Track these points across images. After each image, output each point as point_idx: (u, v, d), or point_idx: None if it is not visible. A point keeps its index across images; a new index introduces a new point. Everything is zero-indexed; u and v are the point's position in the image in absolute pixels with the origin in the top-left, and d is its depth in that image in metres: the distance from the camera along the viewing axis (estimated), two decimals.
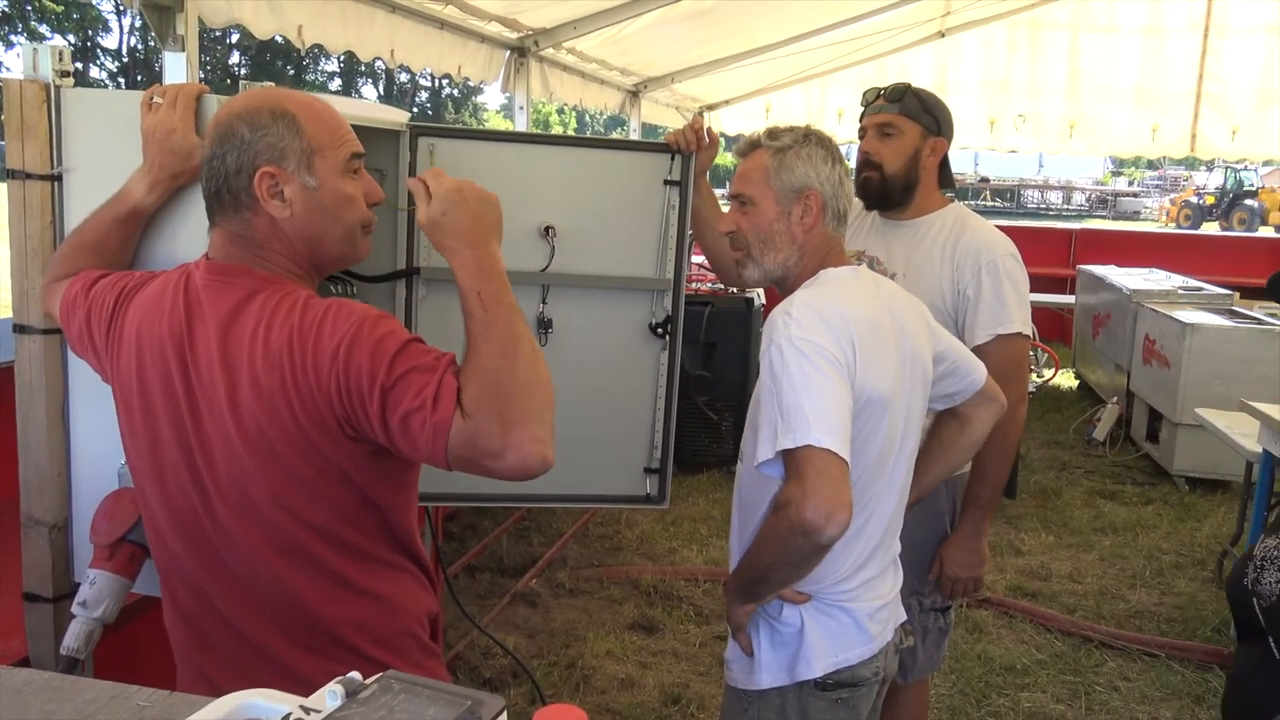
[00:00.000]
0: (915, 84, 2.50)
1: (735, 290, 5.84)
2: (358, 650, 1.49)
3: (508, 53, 5.21)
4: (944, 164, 2.53)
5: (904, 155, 2.44)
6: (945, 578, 2.45)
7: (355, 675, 0.77)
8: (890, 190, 2.45)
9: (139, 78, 43.15)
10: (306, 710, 0.76)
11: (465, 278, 1.42)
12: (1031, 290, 2.46)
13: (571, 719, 0.80)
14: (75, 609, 1.63)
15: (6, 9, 39.69)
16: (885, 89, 2.47)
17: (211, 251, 1.49)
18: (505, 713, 0.76)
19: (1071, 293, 9.03)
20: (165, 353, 1.45)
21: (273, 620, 1.47)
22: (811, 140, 1.85)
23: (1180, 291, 7.01)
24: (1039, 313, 8.68)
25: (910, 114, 2.43)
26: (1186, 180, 41.34)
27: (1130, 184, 45.85)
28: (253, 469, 1.40)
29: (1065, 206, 42.08)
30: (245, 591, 1.46)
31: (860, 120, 2.52)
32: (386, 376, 1.31)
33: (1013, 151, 8.96)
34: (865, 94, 2.53)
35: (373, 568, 1.50)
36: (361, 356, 1.32)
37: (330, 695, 0.75)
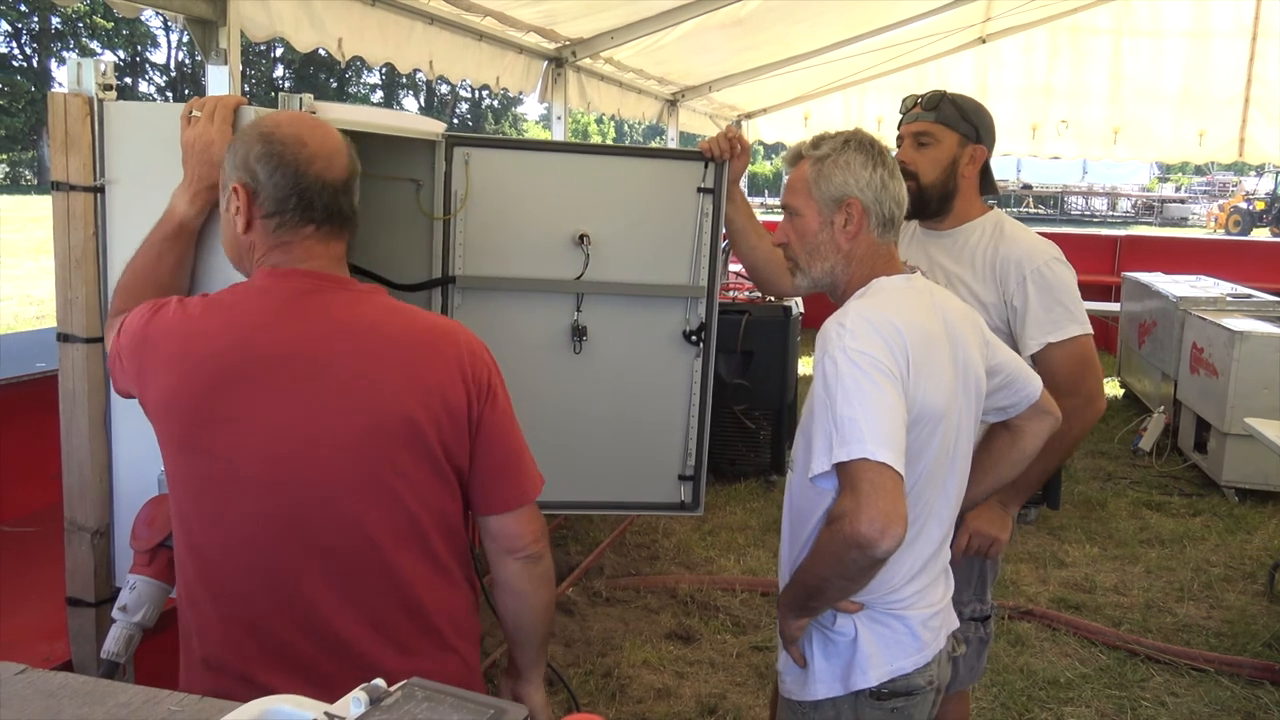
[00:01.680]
0: (955, 90, 2.46)
1: (773, 299, 5.81)
2: (445, 641, 1.55)
3: (545, 63, 5.25)
4: (985, 171, 2.49)
5: (940, 164, 2.41)
6: (966, 529, 2.37)
7: (379, 682, 0.77)
8: (927, 200, 2.42)
9: (186, 91, 43.94)
10: (330, 716, 0.76)
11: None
12: None
13: None
14: (116, 614, 1.66)
15: (59, 26, 40.66)
16: (922, 97, 2.45)
17: (313, 263, 1.51)
18: None
19: (1116, 300, 8.89)
20: (269, 364, 1.44)
21: (369, 611, 1.48)
22: (850, 146, 1.82)
23: (1229, 299, 6.87)
24: None
25: (947, 122, 2.40)
26: (1235, 185, 40.55)
27: (1177, 190, 45.00)
28: (380, 454, 1.45)
29: (1110, 213, 41.35)
30: (345, 583, 1.47)
31: (897, 128, 2.50)
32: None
33: (1055, 158, 8.87)
34: (903, 101, 2.50)
35: (466, 559, 1.60)
36: (498, 381, 1.56)
37: (355, 702, 0.75)
